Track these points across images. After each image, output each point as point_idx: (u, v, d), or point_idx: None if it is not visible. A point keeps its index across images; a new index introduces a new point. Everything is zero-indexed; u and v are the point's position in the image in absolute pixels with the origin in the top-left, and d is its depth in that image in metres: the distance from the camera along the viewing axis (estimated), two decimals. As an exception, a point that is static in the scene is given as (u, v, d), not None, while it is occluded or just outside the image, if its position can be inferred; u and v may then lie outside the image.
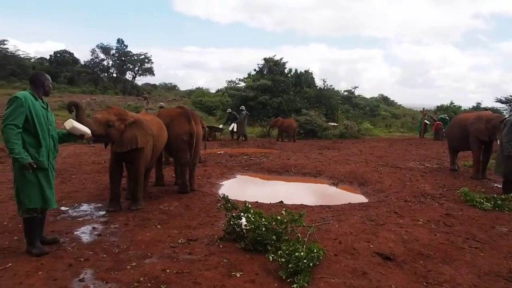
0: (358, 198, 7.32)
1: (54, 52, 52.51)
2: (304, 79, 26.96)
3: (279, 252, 3.54)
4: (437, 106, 30.88)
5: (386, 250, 4.08)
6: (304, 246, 3.69)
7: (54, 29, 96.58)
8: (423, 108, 23.67)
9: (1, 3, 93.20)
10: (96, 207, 5.70)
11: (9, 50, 47.37)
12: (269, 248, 3.83)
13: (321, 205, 6.20)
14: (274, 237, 4.02)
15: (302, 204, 6.19)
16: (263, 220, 4.13)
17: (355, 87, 32.51)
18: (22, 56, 49.17)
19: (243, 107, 17.82)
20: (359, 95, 33.69)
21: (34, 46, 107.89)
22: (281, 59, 27.10)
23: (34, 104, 3.71)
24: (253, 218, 4.16)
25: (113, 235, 4.46)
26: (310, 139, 18.26)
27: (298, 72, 27.22)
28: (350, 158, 11.31)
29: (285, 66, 27.15)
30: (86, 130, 4.39)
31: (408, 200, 6.45)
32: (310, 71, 27.98)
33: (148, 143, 5.61)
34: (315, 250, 3.53)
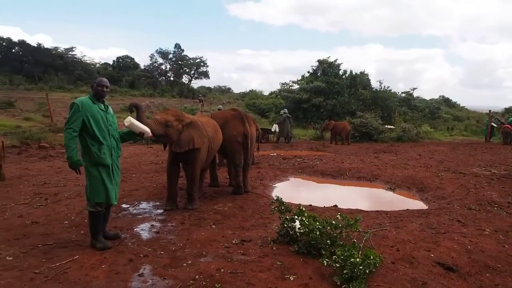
0: (417, 204, 7.01)
1: (117, 58, 55.60)
2: (359, 80, 26.37)
3: (334, 257, 3.47)
4: (505, 108, 28.86)
5: (448, 260, 3.86)
6: (360, 252, 3.59)
7: (117, 36, 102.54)
8: (489, 110, 22.22)
9: (72, 14, 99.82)
10: (154, 205, 5.92)
11: (76, 57, 51.00)
12: (323, 252, 3.77)
13: (377, 211, 6.01)
14: (328, 241, 3.95)
15: (357, 209, 6.04)
16: (317, 223, 4.07)
17: (414, 89, 31.11)
18: (88, 62, 52.72)
19: (285, 110, 17.75)
20: (418, 97, 32.25)
21: (99, 53, 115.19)
22: (335, 60, 26.71)
23: (92, 107, 3.95)
24: (307, 221, 4.12)
25: (170, 233, 4.61)
26: (365, 142, 17.78)
27: (353, 73, 26.67)
28: (408, 162, 10.86)
29: (340, 68, 26.72)
30: (146, 128, 4.55)
31: (472, 208, 6.07)
32: (365, 72, 27.37)
33: (203, 144, 5.74)
34: (371, 257, 3.42)
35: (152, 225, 4.92)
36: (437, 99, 38.87)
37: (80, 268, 3.52)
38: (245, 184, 6.93)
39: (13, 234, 4.43)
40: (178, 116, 5.55)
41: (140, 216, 5.33)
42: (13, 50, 46.55)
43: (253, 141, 7.10)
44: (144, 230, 4.73)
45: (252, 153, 7.16)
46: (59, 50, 49.24)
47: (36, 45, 46.86)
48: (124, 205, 5.84)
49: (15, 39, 46.75)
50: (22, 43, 46.50)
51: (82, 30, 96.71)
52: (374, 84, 27.47)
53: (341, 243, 3.95)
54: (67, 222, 4.96)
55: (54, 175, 8.16)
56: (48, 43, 72.74)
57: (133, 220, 5.12)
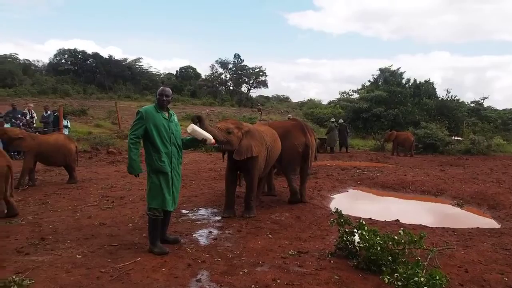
0: (488, 222, 6.51)
1: (180, 68, 58.02)
2: (423, 89, 25.26)
3: (396, 274, 3.30)
4: None
5: (525, 286, 3.53)
6: (424, 271, 3.38)
7: (181, 47, 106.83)
8: None
9: (140, 28, 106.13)
10: (212, 212, 6.03)
11: (143, 67, 53.88)
12: (384, 269, 3.60)
13: (443, 227, 5.64)
14: (390, 257, 3.77)
15: (421, 225, 5.72)
16: (378, 238, 3.90)
17: (484, 98, 29.16)
18: (153, 72, 55.45)
19: (332, 119, 17.38)
20: (489, 107, 30.15)
21: (164, 63, 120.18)
22: (398, 69, 25.91)
23: (155, 116, 4.12)
24: (367, 235, 3.96)
25: (227, 240, 4.66)
26: (429, 154, 16.93)
27: (417, 82, 25.59)
28: (478, 176, 10.15)
29: (403, 76, 25.87)
30: (208, 135, 4.63)
31: (553, 229, 5.52)
32: (430, 81, 26.19)
33: (262, 153, 5.77)
34: (437, 277, 3.20)
35: (210, 232, 5.00)
36: (511, 109, 36.08)
37: (142, 270, 3.65)
38: (302, 194, 6.86)
39: (83, 234, 4.71)
40: (237, 124, 5.64)
41: (199, 222, 5.45)
42: (88, 61, 50.20)
43: (313, 151, 7.04)
44: (202, 236, 4.82)
45: (311, 163, 7.08)
46: (127, 61, 52.38)
47: (107, 57, 50.23)
48: (183, 211, 6.01)
49: (89, 51, 50.51)
50: (95, 55, 50.07)
51: (149, 42, 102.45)
52: (440, 93, 26.16)
53: (404, 260, 3.74)
54: (131, 224, 5.19)
55: (120, 179, 8.61)
56: (118, 55, 77.64)
57: (192, 226, 5.24)
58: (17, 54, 49.19)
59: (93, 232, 4.81)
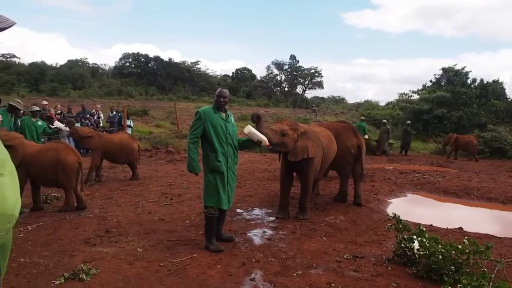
0: None
1: (236, 70, 58.90)
2: (491, 90, 23.65)
3: (459, 285, 3.13)
4: None
5: None
6: (491, 284, 3.18)
7: (237, 49, 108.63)
8: None
9: (198, 31, 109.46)
10: (266, 212, 6.07)
11: (201, 69, 55.46)
12: (446, 279, 3.43)
13: (513, 238, 5.27)
14: (452, 267, 3.57)
15: (487, 234, 5.37)
16: (440, 246, 3.71)
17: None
18: (210, 74, 56.87)
19: (384, 121, 16.68)
20: None
21: (220, 65, 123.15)
22: (463, 68, 24.46)
23: (213, 117, 4.22)
24: (427, 243, 3.79)
25: (281, 241, 4.67)
26: (497, 159, 15.82)
27: (484, 82, 24.00)
28: (554, 184, 9.33)
29: (468, 76, 24.34)
30: (263, 137, 4.68)
31: None
32: (499, 81, 24.41)
33: (317, 154, 5.72)
34: (505, 290, 3.00)
35: (264, 232, 5.04)
36: None
37: (198, 266, 3.77)
38: (357, 195, 6.80)
39: (144, 229, 4.95)
40: (293, 125, 5.63)
41: (253, 222, 5.51)
42: (149, 64, 52.55)
43: (364, 153, 7.04)
44: (256, 236, 4.87)
45: (364, 164, 6.99)
46: (186, 64, 54.17)
47: (167, 60, 52.26)
48: (238, 210, 6.10)
49: (151, 55, 52.87)
50: (156, 59, 52.28)
51: (206, 45, 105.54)
52: (510, 94, 24.40)
53: (468, 271, 3.54)
54: (188, 221, 5.37)
55: (178, 178, 8.93)
56: (177, 58, 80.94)
57: (246, 225, 5.31)
58: (86, 58, 52.69)
59: (153, 227, 5.04)
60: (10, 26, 1.11)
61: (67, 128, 8.59)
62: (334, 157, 6.44)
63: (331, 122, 8.46)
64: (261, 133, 4.76)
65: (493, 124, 18.80)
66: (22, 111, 7.44)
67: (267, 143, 4.74)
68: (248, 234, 4.91)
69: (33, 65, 43.01)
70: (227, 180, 4.30)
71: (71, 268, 3.52)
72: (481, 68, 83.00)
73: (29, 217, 5.42)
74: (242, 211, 6.10)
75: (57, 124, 8.84)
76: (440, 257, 3.60)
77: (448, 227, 5.62)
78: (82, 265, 3.53)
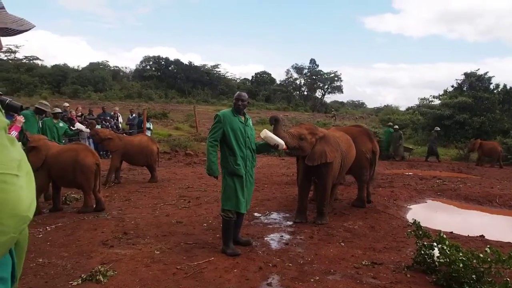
0: None
1: (255, 73, 59.10)
2: (515, 95, 22.98)
3: (482, 295, 3.03)
4: None
5: None
6: (515, 294, 3.07)
7: (257, 53, 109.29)
8: None
9: (218, 34, 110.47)
10: (284, 216, 6.03)
11: (220, 73, 55.88)
12: (467, 287, 3.33)
13: (539, 248, 5.08)
14: (474, 276, 3.47)
15: (509, 243, 5.20)
16: (461, 254, 3.61)
17: None
18: (229, 77, 57.19)
19: (396, 126, 16.34)
20: None
21: (240, 68, 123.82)
22: (485, 73, 23.87)
23: (232, 120, 4.22)
24: (448, 250, 3.69)
25: (298, 246, 4.63)
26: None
27: (508, 87, 23.36)
28: None
29: (491, 81, 23.74)
30: (280, 141, 4.61)
31: None
32: (523, 86, 23.70)
33: (336, 159, 5.65)
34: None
35: (281, 236, 5.01)
36: None
37: (214, 270, 3.76)
38: (368, 193, 6.95)
39: (161, 231, 4.98)
40: (311, 129, 5.60)
41: (271, 226, 5.48)
42: (170, 67, 53.20)
43: (378, 157, 7.13)
44: (273, 240, 4.84)
45: (375, 169, 7.05)
46: (206, 67, 54.61)
47: (187, 63, 52.81)
48: (256, 214, 6.08)
49: (171, 58, 53.52)
50: (176, 62, 52.89)
51: (226, 48, 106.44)
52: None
53: (490, 280, 3.43)
54: (205, 224, 5.38)
55: (197, 180, 8.97)
56: (197, 61, 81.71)
57: (263, 229, 5.29)
58: (108, 61, 53.82)
59: (170, 229, 5.06)
60: (30, 29, 1.12)
61: (88, 130, 8.75)
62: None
63: (347, 126, 8.40)
64: (279, 136, 4.72)
65: (517, 130, 18.27)
66: (48, 113, 7.61)
67: (284, 146, 4.69)
68: (265, 238, 4.88)
69: (56, 67, 44.06)
70: (246, 184, 4.29)
71: (89, 270, 3.56)
72: (504, 73, 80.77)
73: (48, 218, 5.53)
74: (260, 215, 6.08)
75: (78, 125, 9.02)
76: (461, 265, 3.50)
77: (469, 235, 5.47)
78: (100, 267, 3.57)
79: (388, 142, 15.76)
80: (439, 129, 17.05)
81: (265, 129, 4.66)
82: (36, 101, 8.19)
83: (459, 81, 25.21)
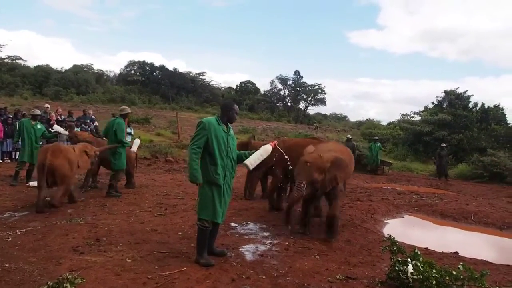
0: None
1: (240, 82, 59.30)
2: (492, 114, 23.61)
3: (451, 313, 3.06)
4: None
5: None
6: (484, 312, 3.10)
7: (242, 62, 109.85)
8: None
9: (204, 42, 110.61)
10: (261, 227, 5.99)
11: (205, 81, 55.82)
12: (439, 305, 3.35)
13: (509, 265, 5.17)
14: (446, 293, 3.50)
15: (483, 260, 5.29)
16: (434, 271, 3.64)
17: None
18: (214, 85, 57.21)
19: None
20: None
21: (225, 77, 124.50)
22: (464, 92, 24.55)
23: (216, 128, 4.15)
24: (422, 267, 3.72)
25: (273, 258, 4.59)
26: (495, 184, 15.72)
27: (485, 106, 24.01)
28: (553, 213, 9.23)
29: (470, 100, 24.39)
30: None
31: None
32: (500, 106, 24.41)
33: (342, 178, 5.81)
34: (499, 321, 2.92)
35: (256, 247, 4.96)
36: None
37: (186, 280, 3.69)
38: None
39: (135, 239, 4.88)
40: (318, 165, 5.31)
41: (247, 237, 5.43)
42: (154, 73, 52.90)
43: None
44: (248, 251, 4.79)
45: None
46: (191, 74, 54.52)
47: (172, 70, 52.63)
48: (232, 224, 6.03)
49: (157, 64, 53.26)
50: (161, 68, 52.67)
51: (212, 56, 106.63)
52: (511, 119, 24.25)
53: (462, 297, 3.47)
54: (180, 233, 5.30)
55: (175, 188, 8.87)
56: (182, 68, 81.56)
57: (239, 240, 5.23)
58: (92, 64, 53.06)
59: (144, 237, 4.97)
60: None
61: (66, 132, 8.59)
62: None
63: (302, 138, 8.36)
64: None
65: (493, 149, 18.71)
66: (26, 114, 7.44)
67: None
68: (240, 249, 4.83)
69: (38, 68, 43.38)
70: (223, 194, 4.24)
71: (56, 277, 3.44)
72: (482, 92, 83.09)
73: (19, 221, 5.37)
74: (236, 225, 6.03)
75: (56, 127, 8.84)
76: (434, 282, 3.54)
77: (444, 251, 5.54)
78: (68, 274, 3.44)
79: (372, 156, 15.97)
80: (444, 144, 17.13)
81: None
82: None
83: (439, 99, 25.84)
